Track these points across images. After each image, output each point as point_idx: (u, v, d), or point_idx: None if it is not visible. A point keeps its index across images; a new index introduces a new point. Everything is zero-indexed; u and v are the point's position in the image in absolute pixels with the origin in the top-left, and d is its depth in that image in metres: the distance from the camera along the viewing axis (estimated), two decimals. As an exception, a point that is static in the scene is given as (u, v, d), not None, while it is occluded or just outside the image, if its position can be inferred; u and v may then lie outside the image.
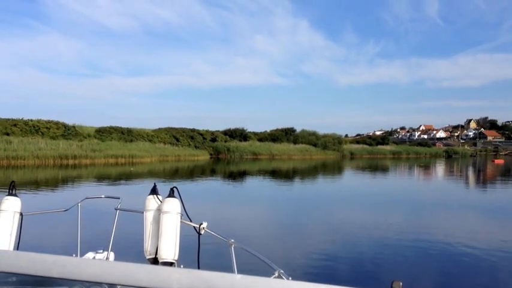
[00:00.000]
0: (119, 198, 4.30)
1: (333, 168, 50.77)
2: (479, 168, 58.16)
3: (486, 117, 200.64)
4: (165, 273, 1.12)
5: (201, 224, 3.69)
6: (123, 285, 1.11)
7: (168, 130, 68.84)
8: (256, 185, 28.82)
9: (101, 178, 30.20)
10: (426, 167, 59.18)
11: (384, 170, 50.43)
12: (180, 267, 3.18)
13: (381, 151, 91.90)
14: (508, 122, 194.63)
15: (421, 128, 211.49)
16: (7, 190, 3.61)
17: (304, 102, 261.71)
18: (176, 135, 66.48)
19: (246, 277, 1.10)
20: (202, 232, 3.69)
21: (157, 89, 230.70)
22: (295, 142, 79.28)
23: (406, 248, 10.84)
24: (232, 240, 3.40)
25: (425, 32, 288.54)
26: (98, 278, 1.10)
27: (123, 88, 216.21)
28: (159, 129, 69.67)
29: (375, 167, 54.84)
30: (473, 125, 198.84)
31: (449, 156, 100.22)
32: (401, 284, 1.30)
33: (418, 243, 11.29)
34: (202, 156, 62.78)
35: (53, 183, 25.25)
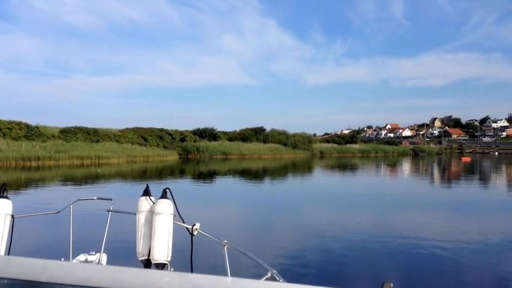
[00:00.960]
0: (111, 200, 4.26)
1: (303, 168, 50.88)
2: (447, 166, 59.42)
3: (450, 116, 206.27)
4: (156, 276, 1.12)
5: (194, 225, 3.69)
6: None
7: (136, 130, 67.53)
8: (225, 185, 28.43)
9: (66, 180, 29.16)
10: (395, 165, 60.10)
11: (354, 168, 50.84)
12: (172, 269, 3.40)
13: (350, 150, 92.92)
14: (472, 120, 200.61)
15: (387, 127, 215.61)
16: None
17: (273, 102, 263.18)
18: (144, 135, 65.26)
19: (237, 280, 1.10)
20: (195, 233, 3.68)
21: (124, 88, 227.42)
22: (265, 141, 79.18)
23: (396, 247, 10.83)
24: (225, 241, 3.37)
25: (390, 32, 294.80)
26: (89, 282, 1.10)
27: (89, 87, 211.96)
28: (126, 129, 68.28)
29: (345, 165, 55.28)
30: (438, 123, 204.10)
31: (416, 155, 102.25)
32: (391, 285, 1.28)
33: (410, 244, 11.10)
34: (171, 157, 61.84)
35: (15, 186, 24.12)
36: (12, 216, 3.49)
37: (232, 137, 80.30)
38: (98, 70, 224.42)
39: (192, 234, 3.69)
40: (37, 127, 54.99)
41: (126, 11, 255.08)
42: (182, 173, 39.34)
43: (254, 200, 20.92)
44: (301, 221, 14.75)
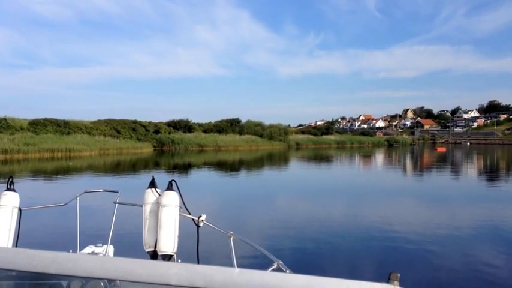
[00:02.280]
0: (117, 192, 4.28)
1: (279, 159, 50.54)
2: (425, 157, 60.08)
3: (422, 107, 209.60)
4: (164, 268, 1.13)
5: (200, 216, 3.70)
6: (121, 280, 1.13)
7: (108, 122, 65.91)
8: (201, 178, 27.77)
9: (35, 174, 27.97)
10: (373, 156, 60.46)
11: (333, 160, 50.83)
12: (179, 260, 3.38)
13: (325, 141, 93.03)
14: (443, 111, 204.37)
15: (360, 118, 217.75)
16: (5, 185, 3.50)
17: (248, 94, 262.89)
18: (117, 127, 63.75)
19: (244, 271, 1.12)
20: (201, 225, 3.69)
21: (95, 80, 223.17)
22: (240, 133, 78.49)
23: (402, 238, 10.91)
24: (231, 233, 3.37)
25: (363, 24, 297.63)
26: (97, 274, 1.12)
27: (59, 79, 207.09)
28: (98, 121, 66.56)
29: (323, 157, 55.26)
30: (410, 114, 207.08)
31: (391, 145, 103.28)
32: (398, 275, 1.31)
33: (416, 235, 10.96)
34: (146, 149, 60.66)
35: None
36: (20, 209, 3.51)
37: (207, 128, 79.32)
38: (68, 62, 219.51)
39: (198, 226, 3.70)
40: (5, 119, 52.99)
41: (96, 2, 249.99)
42: (157, 166, 38.57)
43: (232, 192, 20.34)
44: (297, 214, 14.31)
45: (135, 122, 69.46)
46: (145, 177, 27.06)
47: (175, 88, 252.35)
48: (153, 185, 3.78)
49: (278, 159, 49.99)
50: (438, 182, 26.58)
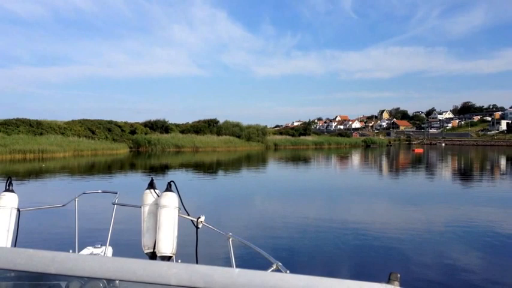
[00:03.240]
0: (116, 193, 4.31)
1: (258, 160, 50.20)
2: (404, 158, 60.58)
3: (398, 108, 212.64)
4: (163, 268, 1.13)
5: (199, 217, 3.71)
6: (121, 280, 1.13)
7: (83, 122, 64.48)
8: (179, 180, 27.16)
9: (6, 176, 26.89)
10: (352, 157, 60.69)
11: (313, 161, 50.71)
12: (178, 261, 3.34)
13: (303, 142, 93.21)
14: (418, 112, 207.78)
15: (337, 119, 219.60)
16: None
17: (225, 94, 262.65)
18: (92, 128, 62.41)
19: (244, 271, 1.12)
20: (200, 226, 3.71)
21: (70, 79, 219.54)
22: (218, 134, 77.95)
23: (406, 239, 10.97)
24: (230, 234, 3.38)
25: (339, 25, 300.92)
26: (96, 274, 1.12)
27: (33, 78, 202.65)
28: (73, 121, 65.07)
29: (302, 158, 55.16)
30: (386, 115, 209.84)
31: (368, 146, 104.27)
32: (398, 275, 1.33)
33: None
34: (121, 150, 59.54)
35: None
36: (18, 210, 3.51)
37: (184, 129, 78.48)
38: (43, 61, 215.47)
39: (197, 227, 3.71)
40: (-26, 119, 51.28)
41: (72, 0, 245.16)
42: (133, 167, 37.81)
43: (210, 194, 19.87)
44: (293, 213, 13.93)
45: (110, 122, 68.15)
46: (121, 178, 26.36)
47: (152, 88, 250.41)
48: (152, 186, 3.78)
49: (256, 161, 49.62)
50: (421, 182, 26.64)
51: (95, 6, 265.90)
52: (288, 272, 2.40)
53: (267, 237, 11.05)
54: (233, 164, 43.71)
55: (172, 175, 30.75)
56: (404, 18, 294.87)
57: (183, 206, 3.68)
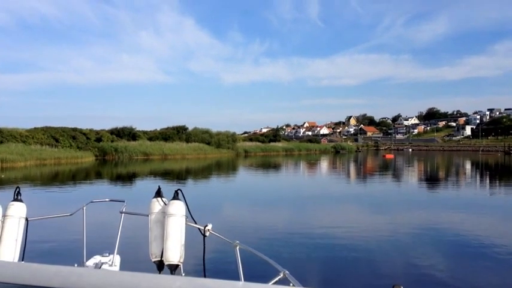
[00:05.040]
0: (123, 202, 4.31)
1: (228, 167, 49.35)
2: (372, 163, 60.86)
3: (365, 114, 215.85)
4: (168, 281, 1.13)
5: (206, 226, 3.70)
6: None
7: (46, 130, 61.93)
8: (147, 188, 26.02)
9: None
10: (321, 163, 60.63)
11: (284, 167, 50.20)
12: (184, 271, 3.51)
13: (274, 148, 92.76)
14: (384, 118, 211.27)
15: (305, 125, 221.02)
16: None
17: (193, 101, 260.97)
18: (55, 136, 60.04)
19: (249, 284, 1.12)
20: (207, 234, 3.69)
21: (33, 86, 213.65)
22: (187, 141, 76.38)
23: (408, 249, 10.98)
24: (237, 242, 3.39)
25: (306, 33, 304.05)
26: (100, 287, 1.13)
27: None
28: (35, 128, 62.43)
29: (272, 164, 54.66)
30: (353, 121, 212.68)
31: (337, 152, 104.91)
32: (402, 287, 1.36)
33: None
34: (87, 158, 57.45)
35: None
36: (27, 219, 3.58)
37: (153, 136, 76.59)
38: (5, 67, 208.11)
39: (204, 235, 3.69)
40: None
41: (36, 6, 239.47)
42: (98, 176, 36.43)
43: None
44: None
45: (75, 129, 65.77)
46: (86, 188, 25.05)
47: (119, 95, 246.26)
48: (159, 194, 3.78)
49: (226, 168, 48.75)
50: (391, 189, 26.46)
51: (60, 13, 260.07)
52: (294, 281, 2.45)
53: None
54: (202, 172, 42.72)
55: (141, 184, 29.57)
56: (370, 27, 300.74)
57: (190, 214, 3.67)
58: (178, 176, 37.49)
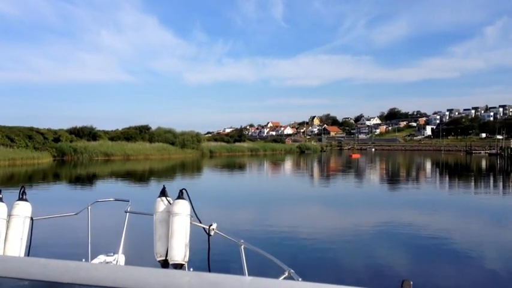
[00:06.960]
0: (128, 201, 4.35)
1: (193, 168, 48.31)
2: (343, 163, 61.11)
3: (328, 114, 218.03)
4: (176, 276, 1.14)
5: (211, 225, 3.71)
6: None
7: (0, 129, 58.97)
8: (108, 190, 24.86)
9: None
10: (286, 162, 60.45)
11: (247, 167, 49.60)
12: (190, 269, 3.45)
13: (239, 148, 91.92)
14: (347, 118, 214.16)
15: (269, 125, 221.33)
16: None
17: (156, 100, 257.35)
18: (10, 135, 57.16)
19: (256, 279, 1.12)
20: (212, 233, 3.71)
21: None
22: (151, 141, 74.45)
23: (415, 245, 11.32)
24: (242, 241, 3.41)
25: (270, 33, 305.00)
26: (109, 283, 1.12)
27: None
28: (-12, 128, 59.33)
29: (239, 165, 53.98)
30: (316, 121, 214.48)
31: (302, 152, 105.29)
32: (411, 283, 1.33)
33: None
34: (44, 159, 54.99)
35: None
36: (32, 219, 3.64)
37: (114, 136, 74.18)
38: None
39: (209, 235, 3.69)
40: None
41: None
42: (56, 178, 34.85)
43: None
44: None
45: (31, 129, 62.88)
46: (45, 190, 23.62)
47: (80, 94, 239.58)
48: (163, 193, 3.78)
49: (191, 169, 47.70)
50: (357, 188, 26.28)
51: (17, 10, 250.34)
52: (300, 279, 2.39)
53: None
54: (166, 172, 41.57)
55: (102, 185, 28.25)
56: (332, 28, 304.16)
57: (195, 214, 3.68)
58: (141, 177, 36.27)
